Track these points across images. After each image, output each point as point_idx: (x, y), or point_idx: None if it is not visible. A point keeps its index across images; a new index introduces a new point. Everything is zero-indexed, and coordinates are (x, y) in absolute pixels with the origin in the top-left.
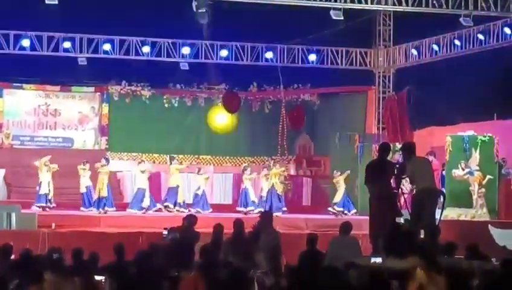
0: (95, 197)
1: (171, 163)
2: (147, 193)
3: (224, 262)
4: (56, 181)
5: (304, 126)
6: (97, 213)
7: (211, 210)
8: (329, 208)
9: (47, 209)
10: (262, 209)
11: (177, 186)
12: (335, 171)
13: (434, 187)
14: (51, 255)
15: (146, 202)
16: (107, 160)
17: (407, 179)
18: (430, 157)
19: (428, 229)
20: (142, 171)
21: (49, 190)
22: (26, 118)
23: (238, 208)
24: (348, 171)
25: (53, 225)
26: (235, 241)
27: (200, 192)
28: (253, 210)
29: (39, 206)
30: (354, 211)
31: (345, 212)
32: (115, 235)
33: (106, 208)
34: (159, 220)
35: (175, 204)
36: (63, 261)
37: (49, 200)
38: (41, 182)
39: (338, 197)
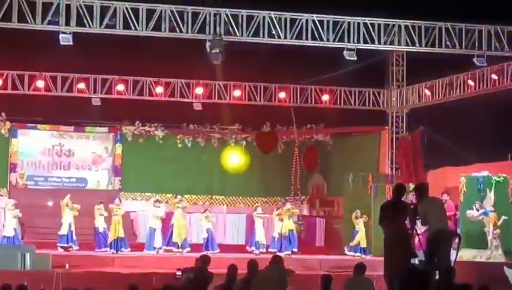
0: (110, 238)
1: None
2: (158, 233)
3: None
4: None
5: (317, 167)
6: (111, 254)
7: (218, 250)
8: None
9: (70, 249)
10: (264, 250)
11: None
12: (358, 212)
13: (448, 228)
14: None
15: (158, 241)
16: (120, 200)
17: (420, 219)
18: (445, 198)
19: (443, 270)
20: (156, 217)
21: (71, 230)
22: (40, 158)
23: (248, 248)
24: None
25: (67, 265)
26: (249, 282)
27: (205, 234)
28: (253, 251)
29: (61, 247)
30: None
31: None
32: (129, 275)
33: (123, 249)
34: (172, 261)
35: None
36: None
37: (74, 241)
38: (62, 223)
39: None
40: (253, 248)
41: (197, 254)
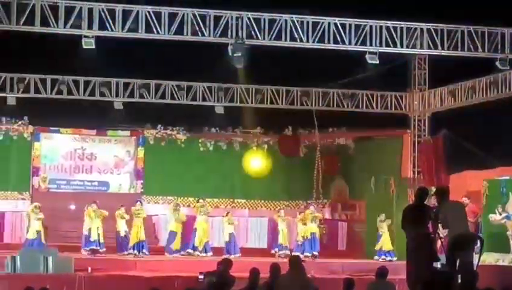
0: (132, 241)
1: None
2: (179, 236)
3: None
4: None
5: (338, 171)
6: (132, 257)
7: (239, 254)
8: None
9: (97, 254)
10: (288, 252)
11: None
12: (383, 215)
13: (469, 232)
14: None
15: (177, 245)
16: (142, 203)
17: (441, 222)
18: (465, 201)
19: (466, 274)
20: (179, 221)
21: (98, 234)
22: (63, 162)
23: (272, 251)
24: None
25: (89, 268)
26: (272, 286)
27: (227, 238)
28: (276, 253)
29: (89, 250)
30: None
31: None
32: (151, 279)
33: (144, 251)
34: (194, 264)
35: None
36: None
37: (100, 244)
38: (90, 228)
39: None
40: (276, 250)
41: (218, 258)
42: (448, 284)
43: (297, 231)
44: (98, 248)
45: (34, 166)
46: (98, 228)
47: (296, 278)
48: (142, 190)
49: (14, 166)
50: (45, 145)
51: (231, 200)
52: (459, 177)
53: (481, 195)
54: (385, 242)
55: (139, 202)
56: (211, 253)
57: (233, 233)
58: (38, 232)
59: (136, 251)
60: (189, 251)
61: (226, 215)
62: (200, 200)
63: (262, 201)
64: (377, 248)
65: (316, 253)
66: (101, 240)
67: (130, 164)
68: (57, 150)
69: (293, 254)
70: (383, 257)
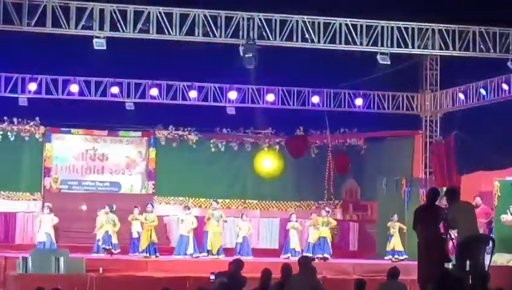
0: (143, 244)
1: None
2: (191, 240)
3: None
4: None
5: (349, 172)
6: (143, 258)
7: (251, 257)
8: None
9: (111, 254)
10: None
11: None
12: (395, 216)
13: (479, 233)
14: None
15: (190, 248)
16: (153, 205)
17: (449, 223)
18: (478, 202)
19: (477, 275)
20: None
21: (110, 236)
22: (74, 163)
23: (283, 255)
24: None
25: (100, 269)
26: (283, 286)
27: (240, 240)
28: (289, 257)
29: (104, 249)
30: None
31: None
32: (162, 279)
33: (157, 254)
34: (205, 265)
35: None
36: None
37: (114, 245)
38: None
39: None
40: (288, 255)
41: (230, 258)
42: (459, 285)
43: (307, 234)
44: (110, 247)
45: (46, 167)
46: (107, 231)
47: (305, 279)
48: (153, 191)
49: (26, 167)
50: (57, 146)
51: (242, 200)
52: (470, 177)
53: (493, 195)
54: (396, 243)
55: (150, 205)
56: (223, 255)
57: (247, 237)
58: (47, 234)
59: (147, 254)
60: (199, 254)
61: (241, 217)
62: (213, 203)
63: (274, 202)
64: (389, 248)
65: (327, 255)
66: (114, 241)
67: (141, 165)
68: (69, 150)
69: (303, 255)
70: (396, 256)
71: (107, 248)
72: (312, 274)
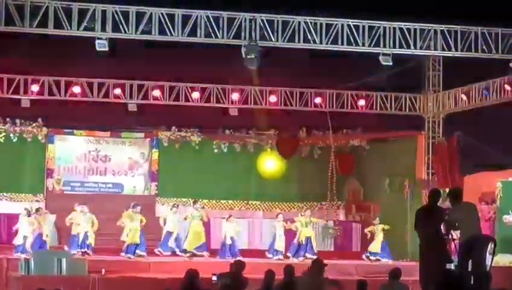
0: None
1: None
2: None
3: None
4: (106, 226)
5: (353, 171)
6: (145, 259)
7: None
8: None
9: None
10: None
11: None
12: (377, 219)
13: (481, 234)
14: None
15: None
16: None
17: (451, 224)
18: (483, 204)
19: (479, 275)
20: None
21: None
22: (77, 164)
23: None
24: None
25: (103, 270)
26: (286, 287)
27: (228, 241)
28: (271, 258)
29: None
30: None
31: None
32: (165, 280)
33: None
34: (207, 266)
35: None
36: None
37: (89, 245)
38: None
39: (376, 247)
40: (272, 255)
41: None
42: (461, 286)
43: (297, 234)
44: (86, 249)
45: (48, 168)
46: (86, 232)
47: (315, 281)
48: (156, 192)
49: (28, 168)
50: (59, 147)
51: (245, 201)
52: (473, 178)
53: (495, 196)
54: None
55: (138, 206)
56: (205, 253)
57: (234, 237)
58: (47, 235)
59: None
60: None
61: (228, 218)
62: (197, 205)
63: (277, 203)
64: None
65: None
66: (90, 241)
67: (144, 166)
68: (71, 151)
69: (317, 259)
70: (377, 257)
71: (82, 251)
72: (322, 277)
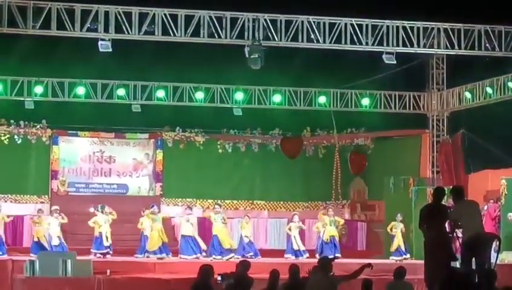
0: (154, 245)
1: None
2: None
3: None
4: (111, 228)
5: (364, 169)
6: (151, 259)
7: (258, 255)
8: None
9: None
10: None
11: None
12: (399, 215)
13: (484, 232)
14: None
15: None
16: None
17: (455, 222)
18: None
19: (484, 273)
20: (188, 220)
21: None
22: (81, 165)
23: (286, 255)
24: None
25: (108, 271)
26: (291, 287)
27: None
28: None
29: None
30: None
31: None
32: (170, 281)
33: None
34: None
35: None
36: None
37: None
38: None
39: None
40: (289, 255)
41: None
42: (466, 284)
43: (322, 233)
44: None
45: (53, 169)
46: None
47: (323, 279)
48: (161, 193)
49: (33, 170)
50: (64, 149)
51: (250, 201)
52: (478, 176)
53: (500, 194)
54: (400, 242)
55: (155, 207)
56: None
57: (248, 236)
58: (59, 237)
59: (166, 254)
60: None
61: (244, 218)
62: (216, 206)
63: (282, 202)
64: (393, 249)
65: (338, 255)
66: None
67: (148, 167)
68: (76, 153)
69: (323, 256)
70: (404, 256)
71: (104, 252)
72: (330, 276)
